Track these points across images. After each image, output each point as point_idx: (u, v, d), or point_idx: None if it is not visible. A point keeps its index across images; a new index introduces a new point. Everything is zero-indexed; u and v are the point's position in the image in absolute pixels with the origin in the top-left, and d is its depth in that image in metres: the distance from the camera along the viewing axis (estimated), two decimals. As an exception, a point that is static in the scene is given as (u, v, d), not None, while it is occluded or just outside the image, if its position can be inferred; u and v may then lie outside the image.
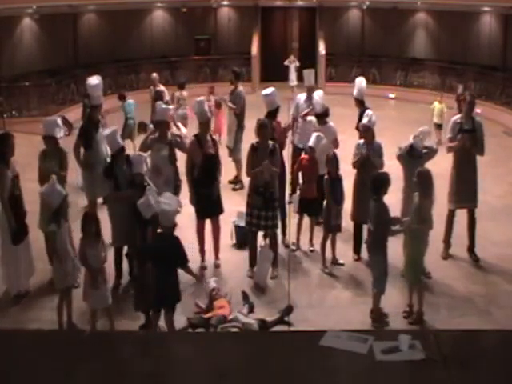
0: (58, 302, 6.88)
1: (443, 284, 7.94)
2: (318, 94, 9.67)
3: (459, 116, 8.54)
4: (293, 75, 18.92)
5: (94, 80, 9.65)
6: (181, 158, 8.58)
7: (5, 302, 7.59)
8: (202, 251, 8.38)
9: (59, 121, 8.58)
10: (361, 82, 10.05)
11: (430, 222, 7.22)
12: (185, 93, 13.87)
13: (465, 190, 8.39)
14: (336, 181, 8.28)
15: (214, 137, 8.43)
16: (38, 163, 8.08)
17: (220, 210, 8.31)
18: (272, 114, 8.82)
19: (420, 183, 7.15)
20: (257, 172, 7.81)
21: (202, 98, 8.96)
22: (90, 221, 6.72)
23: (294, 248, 8.83)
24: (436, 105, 14.67)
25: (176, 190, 8.39)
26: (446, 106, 14.66)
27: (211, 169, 8.09)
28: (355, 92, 9.94)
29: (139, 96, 13.70)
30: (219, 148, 8.56)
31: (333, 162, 8.30)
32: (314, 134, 8.71)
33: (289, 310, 7.09)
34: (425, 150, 8.13)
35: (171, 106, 9.25)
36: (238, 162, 11.07)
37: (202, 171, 8.02)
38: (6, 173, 7.40)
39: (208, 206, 8.16)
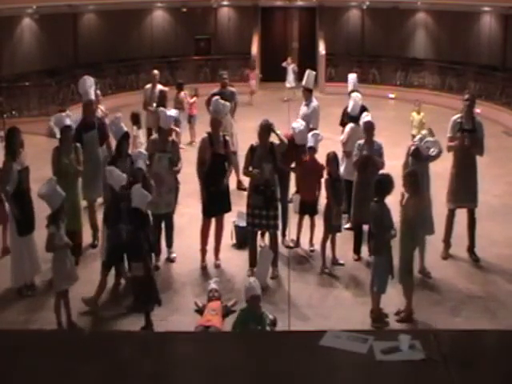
0: (55, 302, 6.88)
1: (443, 284, 7.94)
2: (357, 96, 9.53)
3: (459, 115, 8.53)
4: (290, 77, 19.01)
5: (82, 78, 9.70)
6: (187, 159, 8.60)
7: (9, 295, 7.64)
8: (203, 250, 8.38)
9: (69, 115, 8.66)
10: (353, 77, 10.33)
11: (425, 224, 7.22)
12: (182, 93, 13.87)
13: (465, 189, 8.39)
14: (336, 181, 8.29)
15: (226, 137, 8.42)
16: (52, 159, 8.14)
17: (228, 208, 8.35)
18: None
19: (409, 184, 7.13)
20: (255, 174, 7.84)
21: (217, 97, 8.96)
22: None
23: (292, 245, 8.85)
24: (414, 116, 13.01)
25: (176, 195, 8.50)
26: (425, 116, 12.99)
27: (219, 168, 8.12)
28: (350, 87, 10.08)
29: (140, 97, 13.60)
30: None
31: (333, 162, 8.29)
32: (310, 134, 8.71)
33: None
34: (431, 152, 8.04)
35: (174, 111, 9.19)
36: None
37: (211, 170, 8.07)
38: (11, 165, 7.55)
39: (215, 204, 8.20)
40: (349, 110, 9.44)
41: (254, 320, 6.06)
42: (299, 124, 8.71)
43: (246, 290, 6.15)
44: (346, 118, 9.78)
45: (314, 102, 10.07)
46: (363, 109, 9.42)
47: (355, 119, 9.22)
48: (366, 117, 8.69)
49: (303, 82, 10.38)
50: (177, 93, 13.81)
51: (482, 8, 19.72)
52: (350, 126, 9.23)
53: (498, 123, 15.83)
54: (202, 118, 12.51)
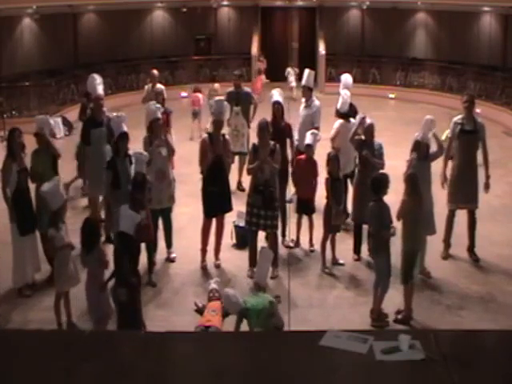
0: (55, 303, 6.88)
1: (443, 284, 7.94)
2: (346, 94, 9.56)
3: (460, 117, 8.52)
4: (292, 78, 19.19)
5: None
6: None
7: (9, 295, 7.64)
8: (204, 250, 8.38)
9: (51, 120, 8.69)
10: (346, 77, 10.38)
11: (427, 224, 7.22)
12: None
13: (465, 190, 8.39)
14: (337, 181, 8.28)
15: (226, 137, 8.43)
16: (30, 162, 8.14)
17: (228, 208, 8.36)
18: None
19: (409, 186, 7.13)
20: (256, 167, 7.85)
21: (221, 97, 8.97)
22: None
23: (292, 245, 8.85)
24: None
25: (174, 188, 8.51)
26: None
27: (219, 168, 8.13)
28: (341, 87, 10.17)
29: (140, 97, 13.57)
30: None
31: (334, 161, 8.29)
32: (309, 132, 8.71)
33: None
34: (432, 151, 8.06)
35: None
36: None
37: (211, 170, 8.09)
38: (11, 166, 7.59)
39: (216, 204, 8.21)
40: (338, 106, 9.50)
41: (254, 315, 6.25)
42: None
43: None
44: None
45: (316, 102, 10.08)
46: (352, 107, 9.48)
47: (344, 116, 9.25)
48: (367, 119, 8.68)
49: (303, 82, 10.38)
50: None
51: (482, 8, 19.70)
52: (339, 122, 9.28)
53: (498, 123, 15.82)
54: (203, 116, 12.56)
